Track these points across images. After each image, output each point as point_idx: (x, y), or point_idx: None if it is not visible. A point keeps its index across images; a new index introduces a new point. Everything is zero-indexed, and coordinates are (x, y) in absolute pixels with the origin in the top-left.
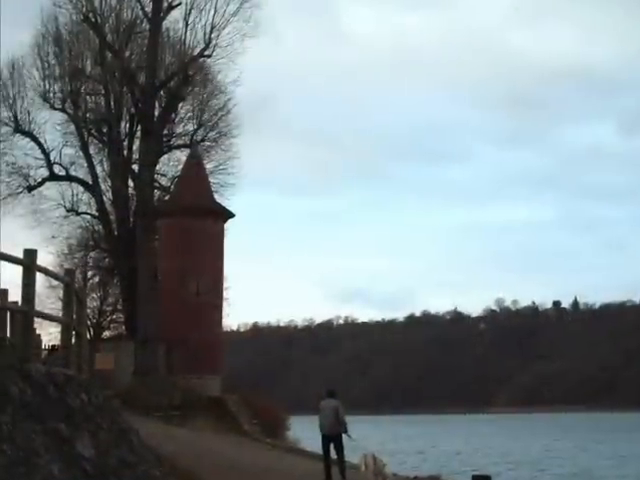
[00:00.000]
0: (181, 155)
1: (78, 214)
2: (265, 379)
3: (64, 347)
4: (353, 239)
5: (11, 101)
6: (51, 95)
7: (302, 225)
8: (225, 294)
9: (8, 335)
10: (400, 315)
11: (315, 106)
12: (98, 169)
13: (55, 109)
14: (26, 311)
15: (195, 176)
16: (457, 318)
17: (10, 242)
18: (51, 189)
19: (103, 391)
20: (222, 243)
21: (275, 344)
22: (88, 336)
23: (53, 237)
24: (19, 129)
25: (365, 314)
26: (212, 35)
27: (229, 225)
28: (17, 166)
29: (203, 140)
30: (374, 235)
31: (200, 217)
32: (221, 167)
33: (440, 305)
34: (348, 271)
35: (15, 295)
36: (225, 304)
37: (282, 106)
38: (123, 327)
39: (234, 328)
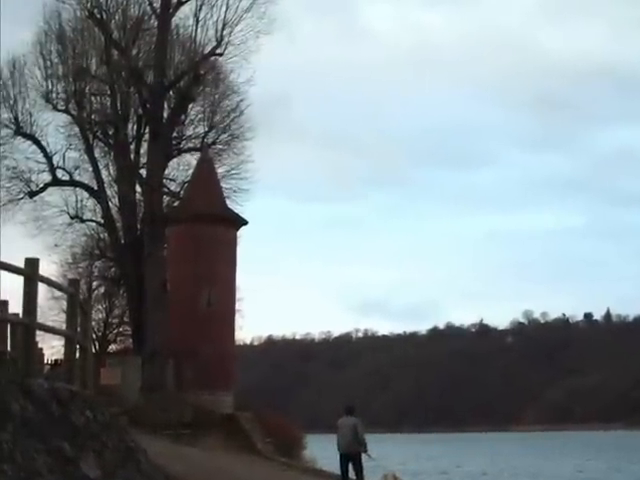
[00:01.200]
0: (191, 159)
1: (82, 221)
2: (280, 395)
3: (68, 361)
4: (372, 247)
5: (12, 102)
6: (54, 96)
7: (318, 233)
8: (238, 305)
9: (8, 349)
10: (422, 328)
11: (332, 107)
12: (104, 174)
13: (58, 110)
14: (27, 323)
15: (206, 181)
16: (483, 331)
17: (11, 251)
18: (54, 195)
19: (109, 408)
20: (234, 251)
21: (291, 358)
22: (93, 350)
23: (56, 245)
24: (20, 131)
25: (385, 327)
26: (224, 32)
27: (242, 233)
28: (18, 170)
29: (214, 143)
30: (394, 243)
31: (211, 224)
32: (233, 171)
33: (465, 317)
34: (367, 281)
35: (16, 307)
36: (238, 316)
37: (297, 107)
38: (130, 340)
39: (247, 341)
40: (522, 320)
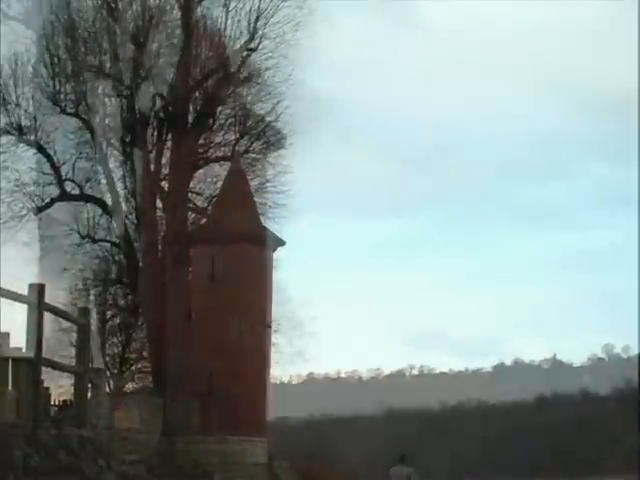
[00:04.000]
0: (220, 170)
1: (95, 241)
2: (322, 441)
3: (78, 402)
4: (430, 271)
5: (13, 104)
6: (62, 97)
7: (367, 254)
8: (273, 338)
9: (10, 388)
10: (487, 364)
11: (383, 111)
12: (119, 187)
13: (67, 114)
14: (32, 359)
15: (237, 195)
16: (556, 367)
17: (12, 275)
18: (62, 211)
19: (125, 455)
20: (270, 276)
21: (335, 399)
22: (107, 389)
23: (65, 269)
24: (23, 138)
25: (444, 362)
26: (258, 24)
27: (278, 254)
28: (21, 183)
29: (247, 151)
30: (455, 267)
31: (243, 245)
32: (269, 184)
33: (536, 352)
34: (424, 310)
35: (19, 340)
36: (273, 350)
37: (344, 110)
38: (149, 378)
39: (285, 379)
40: (601, 355)
